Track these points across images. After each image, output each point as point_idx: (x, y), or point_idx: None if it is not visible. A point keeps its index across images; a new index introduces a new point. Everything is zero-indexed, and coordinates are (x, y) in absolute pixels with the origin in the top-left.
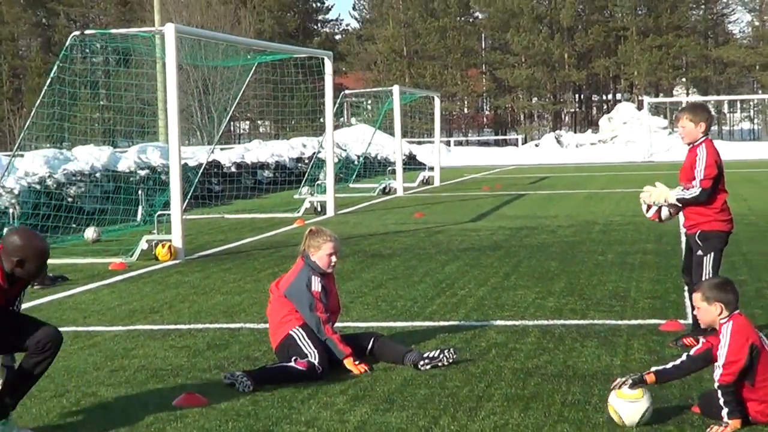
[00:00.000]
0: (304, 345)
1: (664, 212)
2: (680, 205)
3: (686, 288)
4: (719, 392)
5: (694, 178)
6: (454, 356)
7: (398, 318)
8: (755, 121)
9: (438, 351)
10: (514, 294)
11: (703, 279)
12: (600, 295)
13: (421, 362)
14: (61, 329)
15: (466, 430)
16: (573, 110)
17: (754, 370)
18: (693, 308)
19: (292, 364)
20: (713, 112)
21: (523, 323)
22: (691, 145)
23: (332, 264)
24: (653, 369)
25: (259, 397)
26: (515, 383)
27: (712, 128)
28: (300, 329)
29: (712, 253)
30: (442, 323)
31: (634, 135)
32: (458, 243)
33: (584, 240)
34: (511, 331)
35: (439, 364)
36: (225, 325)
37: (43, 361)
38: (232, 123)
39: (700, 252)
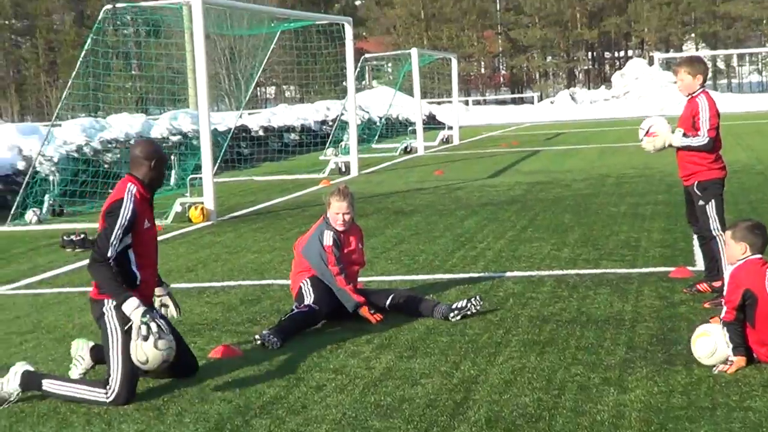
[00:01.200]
0: (306, 292)
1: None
2: (681, 147)
3: (694, 236)
4: (724, 329)
5: (695, 127)
6: (481, 303)
7: (420, 272)
8: (763, 73)
9: (465, 300)
10: (531, 246)
11: (711, 225)
12: (612, 245)
13: (452, 314)
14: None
15: (485, 374)
16: (586, 68)
17: (753, 314)
18: (704, 255)
19: (294, 310)
20: (722, 66)
21: (538, 273)
22: (690, 96)
23: (343, 221)
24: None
25: (288, 349)
26: (531, 330)
27: (723, 81)
28: (307, 280)
29: (713, 200)
30: (462, 275)
31: (646, 90)
32: (477, 198)
33: (598, 193)
34: (528, 281)
35: (468, 312)
36: (256, 282)
37: None
38: (258, 88)
39: (701, 202)
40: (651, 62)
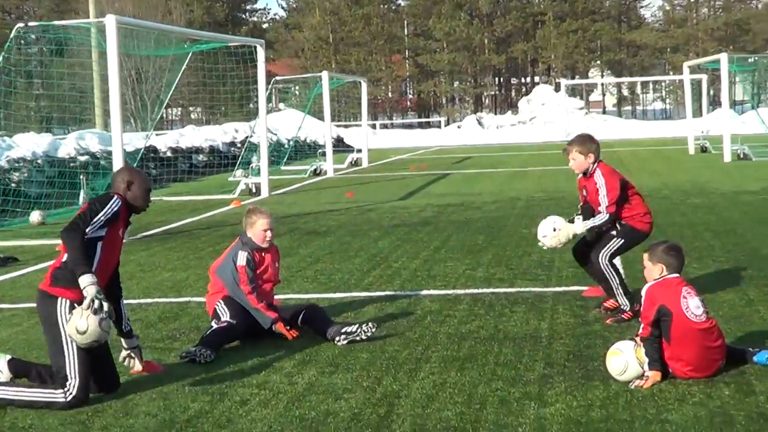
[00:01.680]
0: (221, 311)
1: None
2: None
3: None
4: (641, 345)
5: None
6: (373, 330)
7: (337, 290)
8: (667, 101)
9: (356, 326)
10: (445, 266)
11: (602, 253)
12: (526, 265)
13: (338, 337)
14: (17, 306)
15: (407, 389)
16: (493, 93)
17: (668, 330)
18: (597, 280)
19: (214, 327)
20: (627, 93)
21: (455, 292)
22: (586, 174)
23: (267, 239)
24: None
25: (210, 365)
26: (450, 346)
27: (628, 108)
28: (221, 301)
29: (623, 241)
30: (378, 293)
31: (552, 116)
32: (389, 220)
33: (509, 215)
34: (444, 300)
35: (357, 338)
36: (174, 300)
37: None
38: (163, 109)
39: (614, 233)
40: (557, 88)
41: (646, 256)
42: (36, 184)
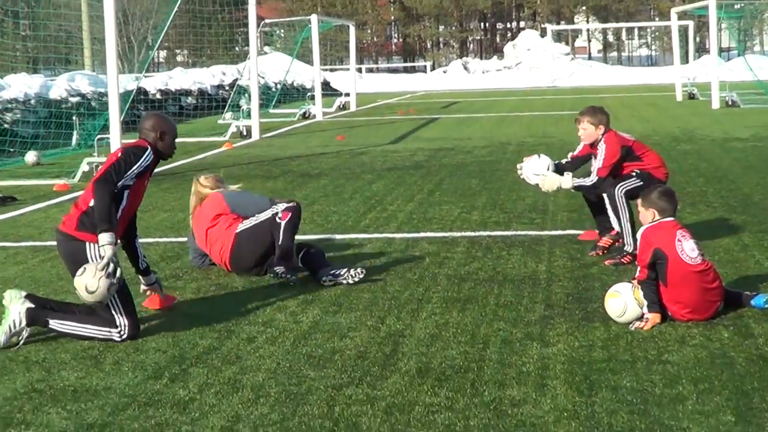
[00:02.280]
0: (278, 236)
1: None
2: (574, 189)
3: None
4: (638, 287)
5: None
6: (360, 276)
7: (335, 231)
8: (653, 47)
9: (345, 269)
10: (440, 209)
11: (618, 186)
12: (521, 209)
13: (324, 278)
14: (19, 244)
15: (411, 329)
16: (479, 38)
17: (665, 273)
18: (593, 212)
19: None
20: (612, 39)
21: (451, 235)
22: (593, 144)
23: None
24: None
25: (216, 304)
26: (450, 287)
27: (613, 54)
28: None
29: (641, 182)
30: (376, 235)
31: (538, 61)
32: (381, 163)
33: (500, 159)
34: (442, 242)
35: (343, 282)
36: (174, 239)
37: None
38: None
39: (633, 173)
40: (543, 34)
41: (639, 201)
42: (28, 125)
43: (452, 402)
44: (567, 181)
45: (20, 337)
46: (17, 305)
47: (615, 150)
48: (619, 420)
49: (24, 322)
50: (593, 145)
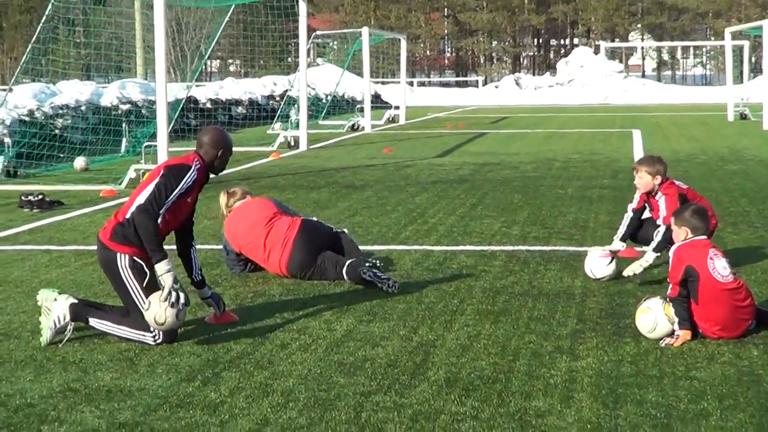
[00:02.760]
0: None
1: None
2: (661, 251)
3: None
4: (670, 305)
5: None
6: (395, 289)
7: (375, 242)
8: (707, 66)
9: (386, 277)
10: (481, 223)
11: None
12: (561, 224)
13: (362, 268)
14: (64, 248)
15: (443, 339)
16: (532, 53)
17: (696, 290)
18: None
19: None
20: (667, 58)
21: (490, 248)
22: (650, 194)
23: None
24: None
25: (251, 310)
26: (485, 300)
27: (667, 72)
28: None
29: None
30: (415, 247)
31: (591, 78)
32: (426, 176)
33: (545, 175)
34: (480, 255)
35: (378, 285)
36: (215, 247)
37: None
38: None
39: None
40: (597, 51)
41: (672, 219)
42: (78, 131)
43: (478, 411)
44: (650, 256)
45: (65, 333)
46: (61, 301)
47: (675, 199)
48: None
49: (68, 317)
50: (650, 194)
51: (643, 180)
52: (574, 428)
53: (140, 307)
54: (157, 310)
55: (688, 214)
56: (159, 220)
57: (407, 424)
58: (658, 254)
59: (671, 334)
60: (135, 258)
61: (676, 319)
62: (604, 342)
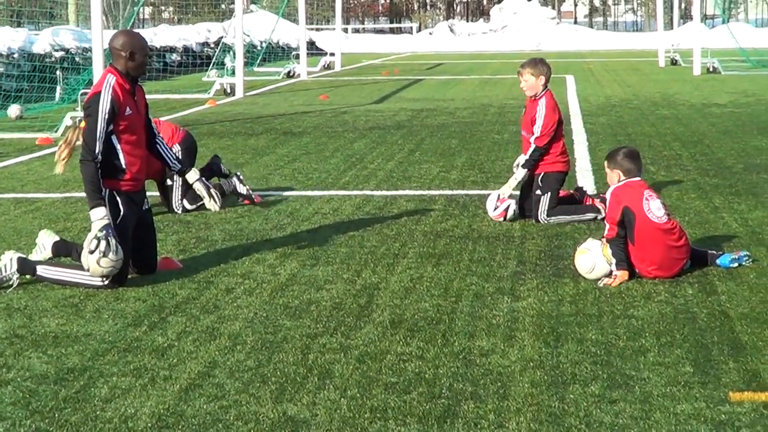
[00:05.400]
0: None
1: (510, 211)
2: (528, 169)
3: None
4: (607, 246)
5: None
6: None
7: (315, 188)
8: (638, 13)
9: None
10: (420, 168)
11: (540, 214)
12: (498, 169)
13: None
14: (2, 196)
15: (386, 282)
16: (465, 0)
17: (633, 231)
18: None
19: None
20: (598, 4)
21: (429, 193)
22: (534, 97)
23: None
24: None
25: (195, 255)
26: (426, 243)
27: (599, 19)
28: None
29: (549, 193)
30: (355, 192)
31: (524, 25)
32: (363, 123)
33: (481, 121)
34: (419, 200)
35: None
36: (154, 193)
37: None
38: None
39: (538, 192)
40: None
41: (605, 163)
42: (11, 79)
43: (423, 351)
44: (519, 174)
45: (11, 283)
46: (45, 237)
47: (553, 117)
48: (583, 370)
49: (15, 267)
50: (533, 98)
51: (528, 82)
52: (517, 366)
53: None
54: (83, 257)
55: (620, 156)
56: (116, 147)
57: (354, 365)
58: (527, 170)
59: (609, 274)
60: (114, 192)
61: (614, 260)
62: (544, 283)
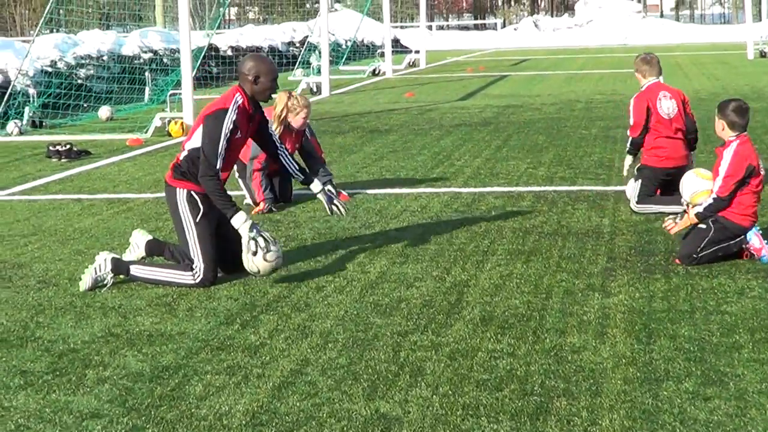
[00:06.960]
0: None
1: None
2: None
3: None
4: (709, 201)
5: None
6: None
7: (403, 185)
8: (725, 5)
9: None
10: (507, 164)
11: (631, 197)
12: (586, 165)
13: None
14: (95, 197)
15: (475, 279)
16: None
17: (747, 186)
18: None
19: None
20: None
21: (517, 189)
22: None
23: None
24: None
25: (286, 253)
26: (515, 240)
27: (686, 12)
28: None
29: (641, 181)
30: (444, 189)
31: (609, 19)
32: (450, 120)
33: (568, 117)
34: (508, 196)
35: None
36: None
37: None
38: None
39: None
40: None
41: (716, 111)
42: (101, 81)
43: (514, 348)
44: (627, 160)
45: (105, 284)
46: (139, 235)
47: (639, 108)
48: (676, 366)
49: (109, 267)
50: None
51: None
52: (609, 363)
53: (188, 239)
54: (246, 262)
55: (729, 109)
56: (219, 166)
57: (445, 362)
58: (633, 156)
59: (679, 215)
60: (192, 192)
61: (701, 208)
62: (635, 279)
